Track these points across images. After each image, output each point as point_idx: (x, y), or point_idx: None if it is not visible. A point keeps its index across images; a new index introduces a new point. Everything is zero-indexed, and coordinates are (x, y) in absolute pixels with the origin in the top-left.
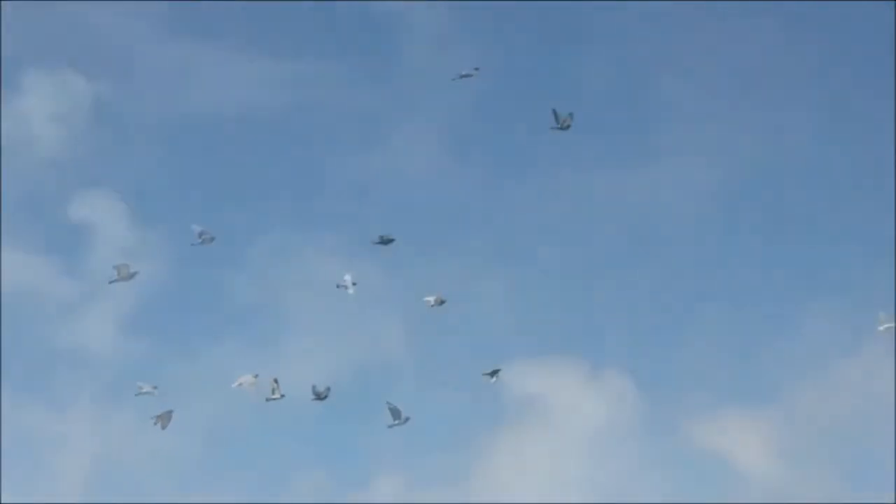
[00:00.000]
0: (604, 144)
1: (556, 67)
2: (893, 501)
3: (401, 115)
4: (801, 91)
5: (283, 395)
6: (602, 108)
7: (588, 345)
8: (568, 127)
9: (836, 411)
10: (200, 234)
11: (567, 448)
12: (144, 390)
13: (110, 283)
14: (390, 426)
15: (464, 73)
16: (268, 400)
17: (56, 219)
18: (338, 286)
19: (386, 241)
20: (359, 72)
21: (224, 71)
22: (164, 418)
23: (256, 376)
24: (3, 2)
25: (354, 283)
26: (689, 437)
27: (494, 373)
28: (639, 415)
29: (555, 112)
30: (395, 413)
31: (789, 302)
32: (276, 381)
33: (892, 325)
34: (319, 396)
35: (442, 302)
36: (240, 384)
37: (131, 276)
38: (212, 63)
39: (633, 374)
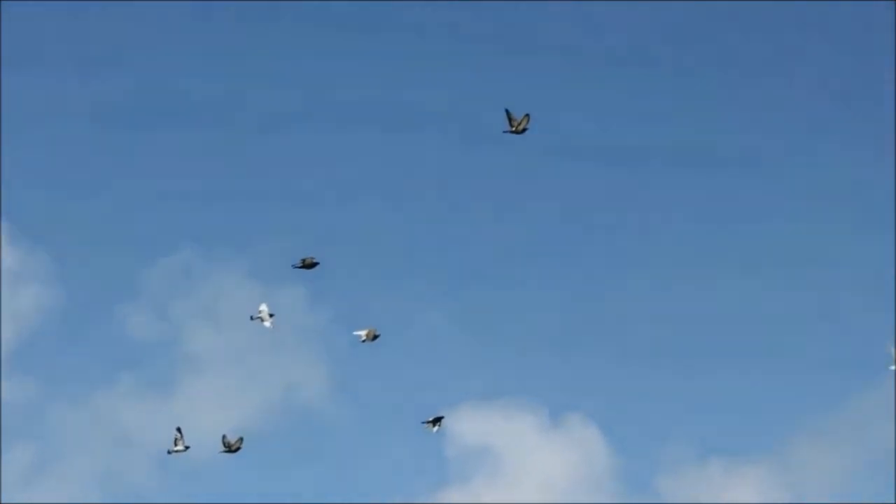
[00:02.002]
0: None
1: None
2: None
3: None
4: (800, 90)
5: (187, 447)
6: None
7: (546, 387)
8: (524, 130)
9: (835, 462)
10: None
11: None
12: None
13: (169, 452)
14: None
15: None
16: (170, 452)
17: None
18: (252, 318)
19: (309, 265)
20: None
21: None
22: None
23: (272, 316)
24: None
25: (272, 315)
26: (666, 494)
27: (437, 420)
28: (607, 468)
29: (508, 113)
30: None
31: (781, 341)
32: (179, 430)
33: None
34: (230, 448)
35: (375, 337)
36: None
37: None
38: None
39: (600, 420)
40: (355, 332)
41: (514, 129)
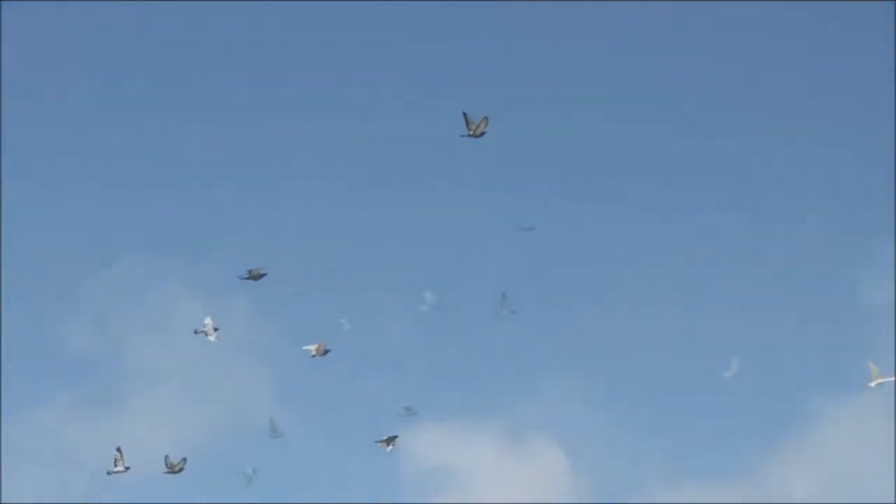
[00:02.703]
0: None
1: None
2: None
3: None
4: (800, 91)
5: (127, 468)
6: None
7: (508, 404)
8: (482, 134)
9: (811, 482)
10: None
11: None
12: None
13: (109, 473)
14: None
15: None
16: (109, 473)
17: None
18: (196, 331)
19: (256, 276)
20: None
21: None
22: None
23: (217, 330)
24: (2, 1)
25: (216, 329)
26: None
27: (391, 440)
28: (570, 489)
29: (466, 116)
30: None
31: (755, 360)
32: (118, 450)
33: (889, 379)
34: (173, 469)
35: (326, 352)
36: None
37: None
38: None
39: (562, 439)
40: (305, 347)
41: (472, 132)
